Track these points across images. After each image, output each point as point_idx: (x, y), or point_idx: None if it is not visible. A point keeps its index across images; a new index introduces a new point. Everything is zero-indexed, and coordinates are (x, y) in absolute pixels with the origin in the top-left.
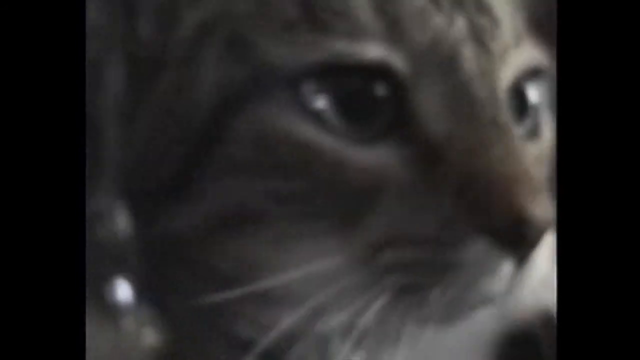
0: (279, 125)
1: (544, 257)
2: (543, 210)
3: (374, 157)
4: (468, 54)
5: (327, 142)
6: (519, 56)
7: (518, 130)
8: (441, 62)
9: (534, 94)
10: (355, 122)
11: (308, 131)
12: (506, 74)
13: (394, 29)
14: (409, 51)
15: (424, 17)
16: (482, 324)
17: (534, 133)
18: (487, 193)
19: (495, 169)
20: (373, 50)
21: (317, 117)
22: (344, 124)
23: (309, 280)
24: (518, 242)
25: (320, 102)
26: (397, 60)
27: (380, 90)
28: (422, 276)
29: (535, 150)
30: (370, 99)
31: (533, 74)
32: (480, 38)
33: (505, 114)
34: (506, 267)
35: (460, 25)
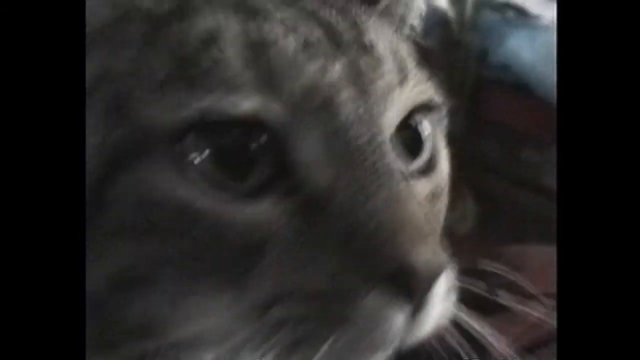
0: (156, 186)
1: (439, 295)
2: (431, 255)
3: (257, 211)
4: (345, 99)
5: (207, 200)
6: (407, 93)
7: (410, 169)
8: (317, 109)
9: (427, 127)
10: (236, 176)
11: (186, 191)
12: (392, 114)
13: (265, 80)
14: (282, 101)
15: (296, 65)
16: None
17: (429, 168)
18: (371, 242)
19: (378, 216)
20: (244, 104)
21: (196, 174)
22: (224, 179)
23: (203, 338)
24: (408, 290)
25: (199, 159)
26: (270, 111)
27: (258, 142)
28: (312, 332)
29: (429, 185)
30: (248, 152)
31: (425, 108)
32: (359, 80)
33: (389, 157)
34: (399, 316)
35: (337, 69)
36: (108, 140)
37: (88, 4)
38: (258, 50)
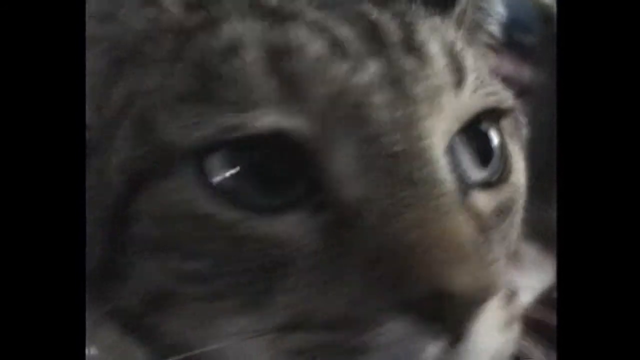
0: (182, 202)
1: (489, 326)
2: (473, 277)
3: (282, 228)
4: (378, 103)
5: (231, 216)
6: (467, 96)
7: (473, 179)
8: (346, 116)
9: (496, 135)
10: (262, 192)
11: (211, 206)
12: (443, 118)
13: (288, 89)
14: (307, 111)
15: (321, 70)
16: None
17: (500, 180)
18: (401, 262)
19: (411, 232)
20: (265, 118)
21: (222, 190)
22: (250, 195)
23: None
24: (442, 318)
25: (224, 175)
26: (293, 123)
27: (284, 156)
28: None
29: (496, 198)
30: (274, 167)
31: (495, 113)
32: (398, 82)
33: (434, 165)
34: (432, 349)
35: (370, 70)
36: (133, 157)
37: (121, 19)
38: (280, 58)
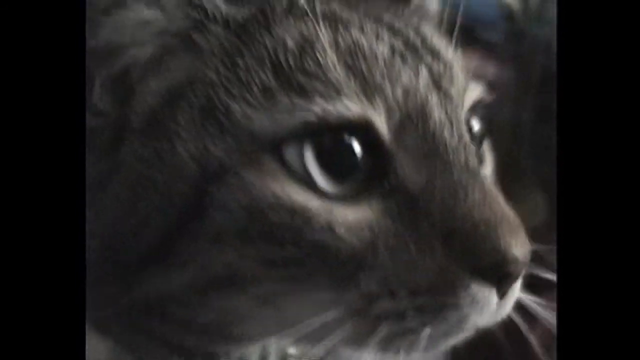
0: (266, 190)
1: (517, 285)
2: (526, 245)
3: (360, 214)
4: (435, 103)
5: (315, 204)
6: (470, 95)
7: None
8: (413, 112)
9: (477, 124)
10: (339, 180)
11: (296, 194)
12: (464, 112)
13: (368, 84)
14: (384, 105)
15: (394, 71)
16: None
17: (481, 161)
18: (473, 238)
19: (477, 213)
20: (352, 107)
21: (302, 179)
22: (328, 183)
23: (303, 337)
24: (506, 280)
25: (304, 164)
26: (375, 115)
27: (361, 146)
28: (415, 321)
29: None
30: (351, 156)
31: (476, 106)
32: (441, 85)
33: (474, 157)
34: (493, 302)
35: (424, 74)
36: (205, 147)
37: (167, 9)
38: (355, 56)
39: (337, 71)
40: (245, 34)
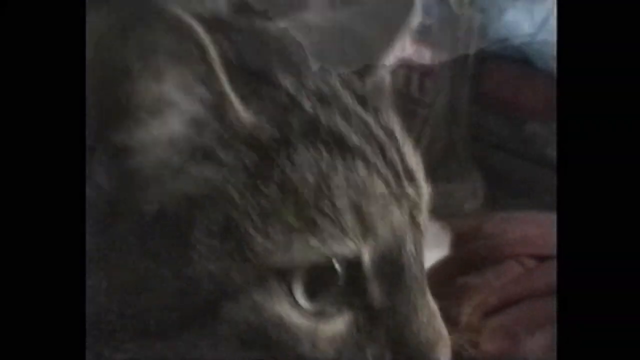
0: (271, 310)
1: None
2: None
3: (336, 327)
4: (410, 237)
5: (303, 323)
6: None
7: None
8: (394, 247)
9: None
10: (322, 303)
11: (291, 314)
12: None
13: (366, 227)
14: (374, 242)
15: (387, 211)
16: None
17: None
18: (416, 353)
19: (422, 334)
20: (352, 247)
21: (302, 305)
22: (313, 306)
23: None
24: None
25: (301, 290)
26: (365, 251)
27: (346, 276)
28: None
29: None
30: (334, 279)
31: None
32: (415, 218)
33: (423, 273)
34: None
35: (405, 210)
36: (226, 268)
37: (191, 112)
38: (360, 195)
39: (347, 214)
40: (268, 156)
